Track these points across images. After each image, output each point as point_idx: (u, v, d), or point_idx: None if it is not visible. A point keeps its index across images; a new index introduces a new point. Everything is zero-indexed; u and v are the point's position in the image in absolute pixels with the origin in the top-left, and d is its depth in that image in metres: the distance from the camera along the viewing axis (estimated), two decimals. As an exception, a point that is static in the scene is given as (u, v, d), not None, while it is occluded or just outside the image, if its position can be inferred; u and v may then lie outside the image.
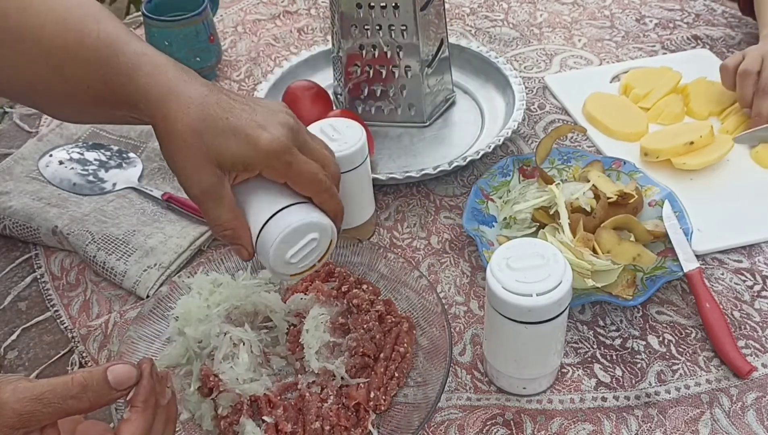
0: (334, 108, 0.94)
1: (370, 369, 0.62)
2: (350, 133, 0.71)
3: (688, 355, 0.66)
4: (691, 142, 0.83)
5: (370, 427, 0.59)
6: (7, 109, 1.04)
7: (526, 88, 0.96)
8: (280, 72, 0.99)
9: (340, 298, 0.67)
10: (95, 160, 0.90)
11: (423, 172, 0.82)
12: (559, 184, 0.76)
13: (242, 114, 0.54)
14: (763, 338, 0.67)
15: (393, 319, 0.66)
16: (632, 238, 0.71)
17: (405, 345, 0.64)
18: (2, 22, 0.55)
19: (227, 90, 0.57)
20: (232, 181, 0.56)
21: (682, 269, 0.69)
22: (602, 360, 0.66)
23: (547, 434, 0.61)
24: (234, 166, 0.54)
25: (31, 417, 0.42)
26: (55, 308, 0.75)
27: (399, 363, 0.63)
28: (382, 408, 0.61)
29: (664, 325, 0.69)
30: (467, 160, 0.83)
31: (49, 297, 0.76)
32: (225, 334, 0.63)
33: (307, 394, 0.60)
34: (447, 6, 1.06)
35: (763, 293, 0.71)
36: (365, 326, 0.64)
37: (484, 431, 0.61)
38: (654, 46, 1.08)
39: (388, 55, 0.89)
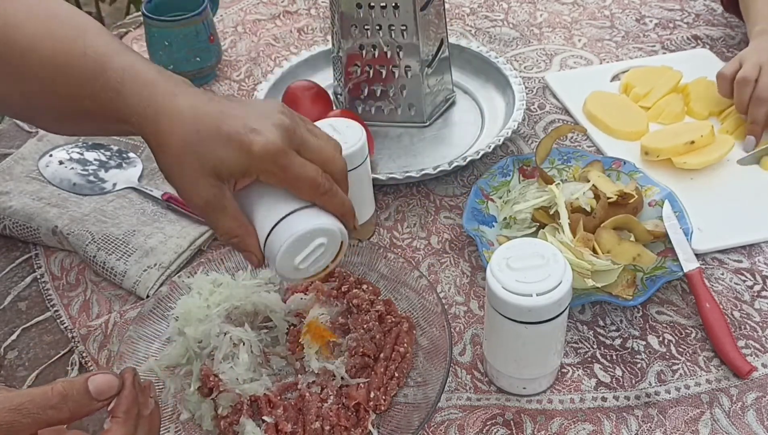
0: (334, 108, 0.94)
1: (370, 369, 0.62)
2: (350, 133, 0.71)
3: (688, 355, 0.66)
4: (692, 142, 0.83)
5: (370, 427, 0.59)
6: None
7: (526, 88, 0.96)
8: (280, 72, 1.00)
9: (340, 298, 0.67)
10: (95, 160, 0.90)
11: (423, 172, 0.82)
12: (559, 184, 0.76)
13: (234, 121, 0.53)
14: (763, 338, 0.67)
15: (393, 319, 0.66)
16: (632, 238, 0.71)
17: (405, 345, 0.64)
18: None
19: (219, 96, 0.56)
20: (234, 188, 0.55)
21: (682, 269, 0.69)
22: (602, 360, 0.66)
23: (547, 434, 0.61)
24: (231, 174, 0.53)
25: (10, 428, 0.41)
26: (55, 308, 0.75)
27: (399, 363, 0.63)
28: (382, 408, 0.61)
29: (664, 325, 0.69)
30: (467, 160, 0.83)
31: (49, 297, 0.76)
32: (225, 334, 0.63)
33: (307, 394, 0.60)
34: (447, 6, 1.06)
35: (763, 293, 0.71)
36: (365, 326, 0.64)
37: (484, 431, 0.61)
38: (654, 46, 1.08)
39: (388, 55, 0.89)
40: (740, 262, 0.74)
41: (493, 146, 0.84)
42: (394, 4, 0.84)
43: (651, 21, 1.14)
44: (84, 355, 0.70)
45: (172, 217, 0.82)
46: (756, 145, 0.85)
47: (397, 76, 0.90)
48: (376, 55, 0.89)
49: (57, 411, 0.42)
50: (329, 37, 1.06)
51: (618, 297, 0.67)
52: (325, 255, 0.57)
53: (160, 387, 0.63)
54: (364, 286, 0.69)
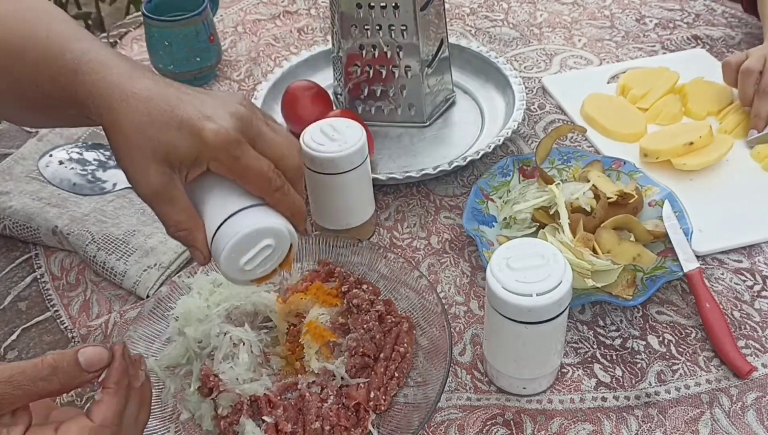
0: (334, 108, 0.94)
1: (370, 369, 0.62)
2: (350, 133, 0.71)
3: (688, 355, 0.66)
4: (691, 143, 0.83)
5: (370, 427, 0.59)
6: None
7: (526, 88, 0.96)
8: (280, 72, 1.00)
9: (340, 298, 0.67)
10: (95, 160, 0.90)
11: (423, 172, 0.82)
12: (559, 184, 0.76)
13: (189, 106, 0.51)
14: (763, 338, 0.67)
15: (393, 319, 0.66)
16: (632, 238, 0.72)
17: (405, 345, 0.64)
18: None
19: (178, 84, 0.54)
20: (185, 179, 0.53)
21: (682, 269, 0.69)
22: (602, 360, 0.66)
23: (547, 434, 0.61)
24: (182, 162, 0.51)
25: (1, 400, 0.41)
26: (55, 308, 0.75)
27: (399, 363, 0.63)
28: (382, 408, 0.61)
29: (664, 325, 0.69)
30: (467, 160, 0.83)
31: (49, 297, 0.76)
32: (225, 334, 0.63)
33: (307, 394, 0.60)
34: (447, 6, 1.06)
35: (763, 293, 0.71)
36: (365, 326, 0.64)
37: (484, 431, 0.61)
38: (654, 46, 1.08)
39: (388, 55, 0.89)
40: (740, 262, 0.74)
41: (493, 146, 0.84)
42: (394, 4, 0.84)
43: (651, 21, 1.14)
44: (84, 355, 0.70)
45: (172, 217, 0.82)
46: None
47: (397, 76, 0.90)
48: (376, 55, 0.89)
49: (47, 383, 0.42)
50: (329, 37, 1.07)
51: (618, 297, 0.68)
52: (273, 257, 0.55)
53: (160, 387, 0.63)
54: (364, 286, 0.69)
